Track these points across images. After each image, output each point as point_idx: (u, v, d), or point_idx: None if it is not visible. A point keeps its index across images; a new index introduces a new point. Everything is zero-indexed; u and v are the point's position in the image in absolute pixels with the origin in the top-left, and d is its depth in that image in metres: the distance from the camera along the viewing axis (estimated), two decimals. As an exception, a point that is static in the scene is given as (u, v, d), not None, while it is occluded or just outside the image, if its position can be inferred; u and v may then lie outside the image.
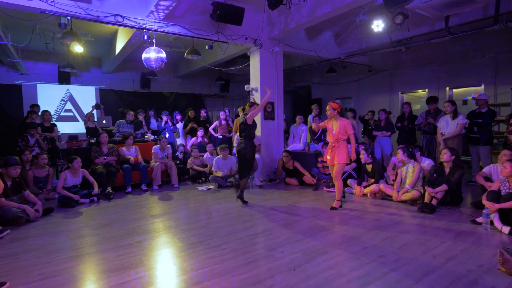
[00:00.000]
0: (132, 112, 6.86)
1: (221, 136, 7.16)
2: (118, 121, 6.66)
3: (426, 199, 4.03)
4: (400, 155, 4.52)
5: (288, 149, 6.23)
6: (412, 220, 3.67)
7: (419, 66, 8.42)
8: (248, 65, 6.62)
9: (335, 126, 4.17)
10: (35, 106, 7.02)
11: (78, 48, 5.65)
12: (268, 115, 6.40)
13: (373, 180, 4.92)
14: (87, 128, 7.07)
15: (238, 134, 5.99)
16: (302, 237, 3.14)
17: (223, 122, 7.26)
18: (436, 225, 3.45)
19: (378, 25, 5.27)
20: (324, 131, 6.67)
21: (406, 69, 8.75)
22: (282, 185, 5.85)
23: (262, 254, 2.75)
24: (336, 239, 3.08)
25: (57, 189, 4.53)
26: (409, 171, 4.42)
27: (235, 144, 5.97)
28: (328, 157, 4.24)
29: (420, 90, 8.72)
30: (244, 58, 7.02)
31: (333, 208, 4.15)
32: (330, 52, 7.44)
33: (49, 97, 8.72)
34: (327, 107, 4.23)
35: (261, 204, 4.53)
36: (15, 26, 6.01)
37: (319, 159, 5.90)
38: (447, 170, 4.18)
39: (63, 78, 8.52)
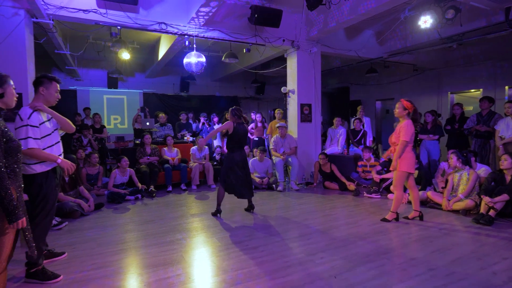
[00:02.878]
0: (163, 114, 7.05)
1: (257, 138, 7.20)
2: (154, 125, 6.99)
3: (483, 210, 3.65)
4: (454, 160, 4.15)
5: (325, 152, 6.07)
6: (466, 231, 3.35)
7: (472, 63, 7.72)
8: (285, 67, 6.58)
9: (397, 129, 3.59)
10: (87, 109, 7.64)
11: (125, 55, 6.04)
12: (305, 117, 6.29)
13: (419, 187, 4.59)
14: (134, 129, 7.51)
15: (274, 136, 6.00)
16: (342, 243, 3.02)
17: (259, 124, 7.29)
18: (495, 239, 3.11)
19: (425, 21, 4.92)
20: (364, 134, 6.39)
21: (457, 67, 8.07)
22: (319, 189, 5.70)
23: (301, 258, 2.69)
24: (379, 248, 2.91)
25: (108, 187, 4.90)
26: (463, 179, 4.05)
27: (272, 146, 5.96)
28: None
29: (472, 90, 7.99)
30: (280, 60, 6.99)
31: (384, 220, 3.73)
32: (371, 52, 7.13)
33: (99, 101, 9.45)
34: (397, 105, 3.59)
35: (298, 208, 4.45)
36: (72, 37, 6.63)
37: (359, 163, 5.65)
38: (507, 178, 3.76)
39: (112, 83, 9.21)
